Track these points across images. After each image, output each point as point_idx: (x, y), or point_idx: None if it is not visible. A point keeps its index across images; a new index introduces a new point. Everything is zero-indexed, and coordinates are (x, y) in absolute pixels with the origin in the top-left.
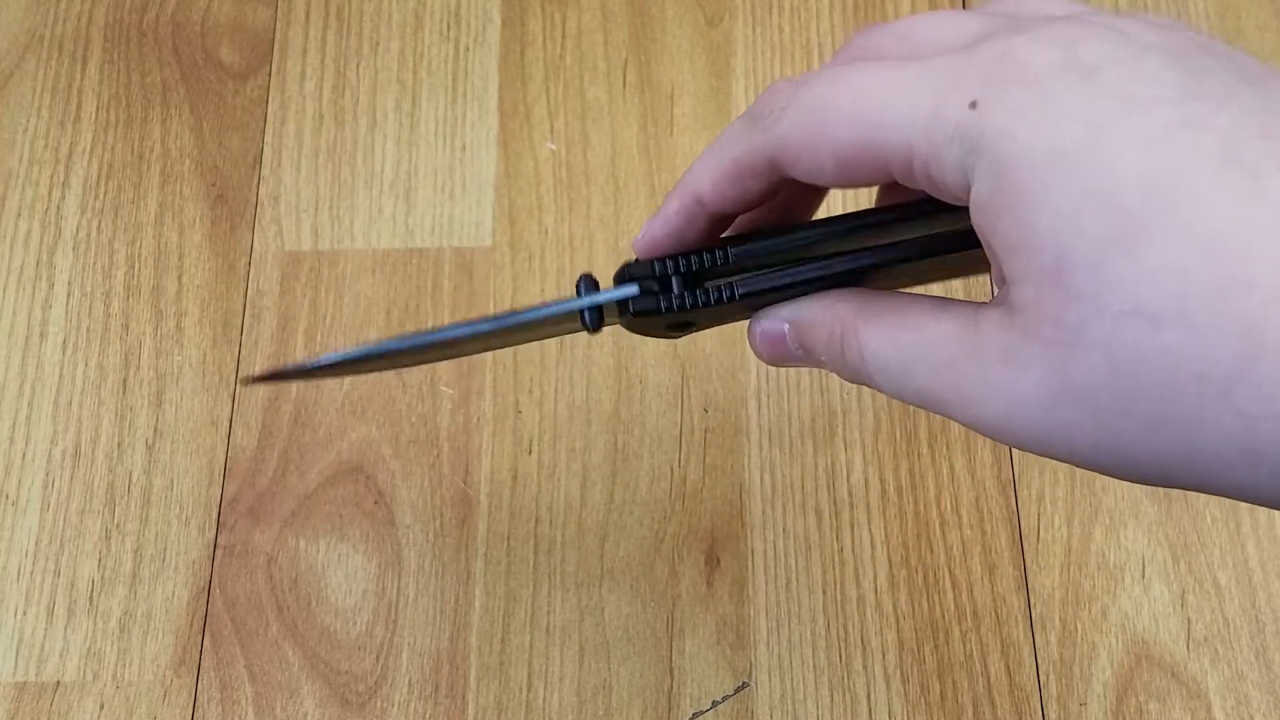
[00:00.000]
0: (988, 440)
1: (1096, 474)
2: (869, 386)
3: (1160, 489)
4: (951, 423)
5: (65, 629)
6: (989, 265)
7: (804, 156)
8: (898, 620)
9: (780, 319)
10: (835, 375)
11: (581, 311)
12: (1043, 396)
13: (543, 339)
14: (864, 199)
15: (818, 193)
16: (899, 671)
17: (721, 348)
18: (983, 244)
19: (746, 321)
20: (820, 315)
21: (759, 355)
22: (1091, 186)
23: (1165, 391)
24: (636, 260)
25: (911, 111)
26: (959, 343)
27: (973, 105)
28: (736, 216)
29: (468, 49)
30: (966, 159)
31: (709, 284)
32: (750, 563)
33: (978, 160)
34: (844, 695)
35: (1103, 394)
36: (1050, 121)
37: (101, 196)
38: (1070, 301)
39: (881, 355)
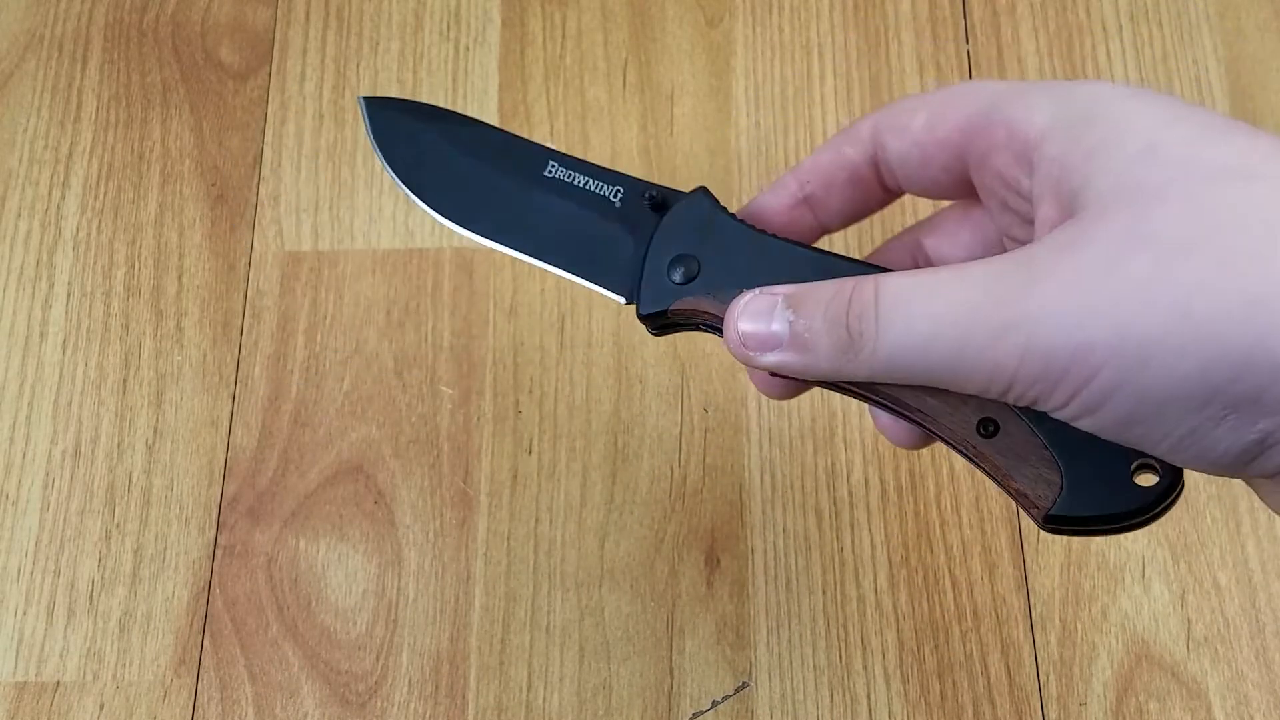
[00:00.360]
0: None
1: None
2: (863, 371)
3: None
4: None
5: (65, 629)
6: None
7: (899, 114)
8: (898, 620)
9: (773, 292)
10: (816, 375)
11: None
12: (1126, 281)
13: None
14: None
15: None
16: (899, 671)
17: (721, 348)
18: (1045, 205)
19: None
20: (824, 284)
21: (730, 344)
22: (1173, 115)
23: (1241, 231)
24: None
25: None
26: (1014, 275)
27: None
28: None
29: (468, 49)
30: (1050, 118)
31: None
32: (750, 563)
33: (1060, 112)
34: (844, 695)
35: (1190, 240)
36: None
37: (101, 196)
38: (1163, 168)
39: (905, 313)
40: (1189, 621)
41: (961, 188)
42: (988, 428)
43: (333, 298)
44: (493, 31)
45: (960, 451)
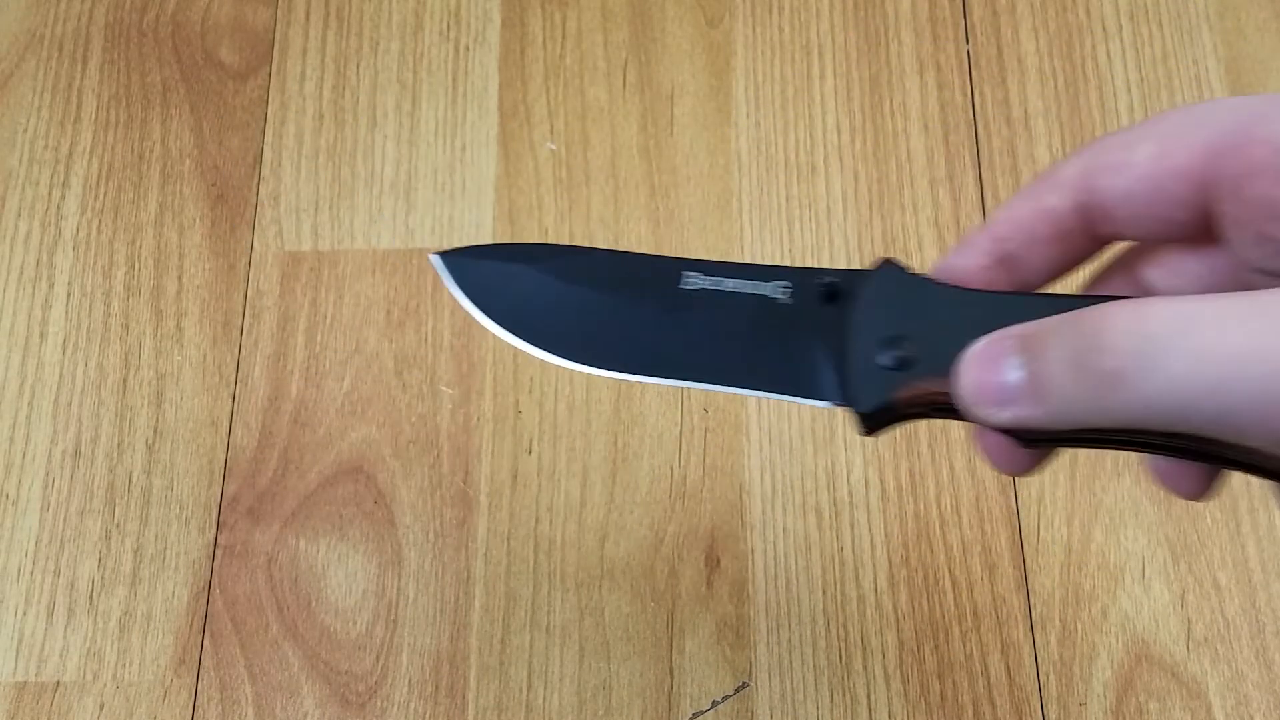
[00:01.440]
0: None
1: (1096, 475)
2: (1120, 416)
3: (1161, 491)
4: (952, 423)
5: (65, 629)
6: None
7: (1114, 151)
8: (898, 620)
9: (1005, 335)
10: (1061, 426)
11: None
12: None
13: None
14: None
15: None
16: (899, 671)
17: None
18: None
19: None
20: (1064, 315)
21: (962, 403)
22: None
23: None
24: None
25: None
26: None
27: None
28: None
29: (468, 49)
30: None
31: None
32: (750, 563)
33: None
34: (844, 695)
35: None
36: None
37: (101, 196)
38: None
39: (1182, 345)
40: (1189, 621)
41: (1198, 224)
42: None
43: (333, 298)
44: (493, 31)
45: None
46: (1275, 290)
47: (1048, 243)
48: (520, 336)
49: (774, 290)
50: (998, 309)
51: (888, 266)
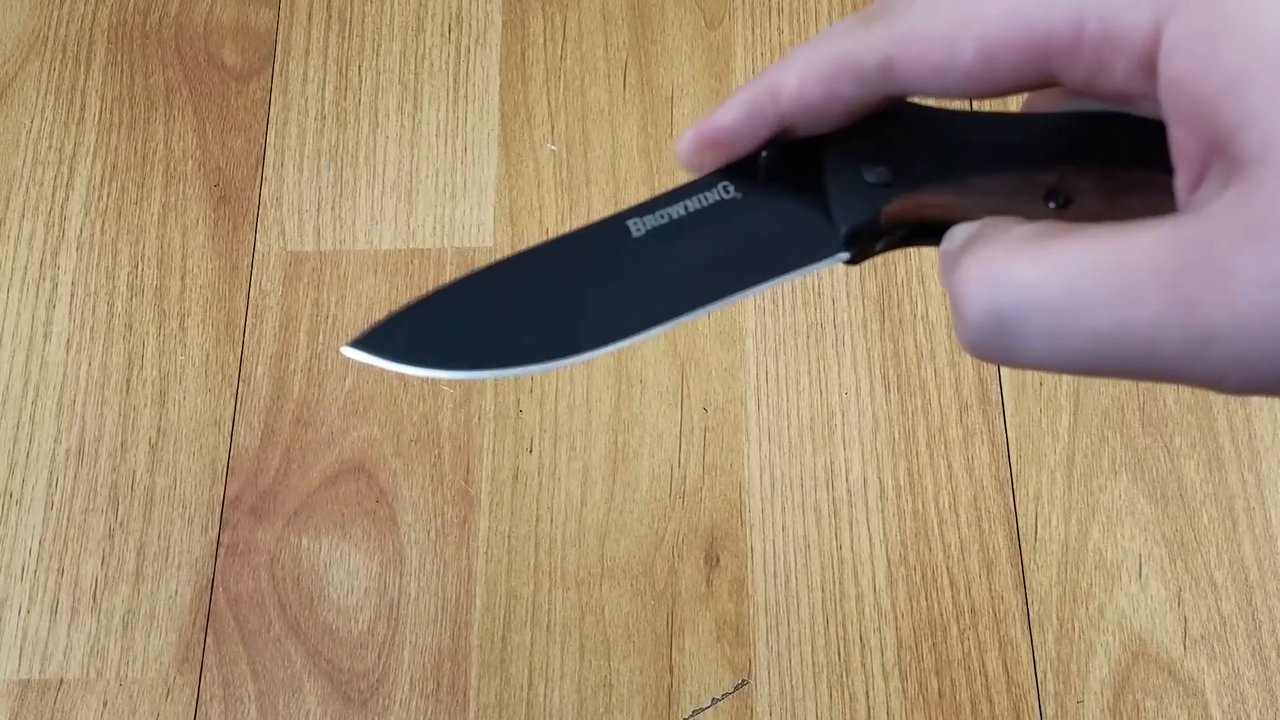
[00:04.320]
0: (985, 439)
1: (1093, 474)
2: (994, 352)
3: (1158, 490)
4: (950, 422)
5: (69, 627)
6: (1166, 173)
7: (935, 49)
8: (896, 618)
9: (953, 239)
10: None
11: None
12: None
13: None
14: None
15: None
16: (897, 669)
17: (721, 347)
18: (1179, 128)
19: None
20: (963, 239)
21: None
22: None
23: None
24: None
25: None
26: (1177, 249)
27: None
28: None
29: (469, 50)
30: (1160, 17)
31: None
32: (749, 561)
33: (1175, 16)
34: (843, 692)
35: None
36: None
37: (105, 197)
38: None
39: (1043, 284)
40: (1185, 620)
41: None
42: (1059, 200)
43: (335, 298)
44: (494, 33)
45: None
46: (1137, 226)
47: (832, 118)
48: (482, 366)
49: (721, 193)
50: (978, 127)
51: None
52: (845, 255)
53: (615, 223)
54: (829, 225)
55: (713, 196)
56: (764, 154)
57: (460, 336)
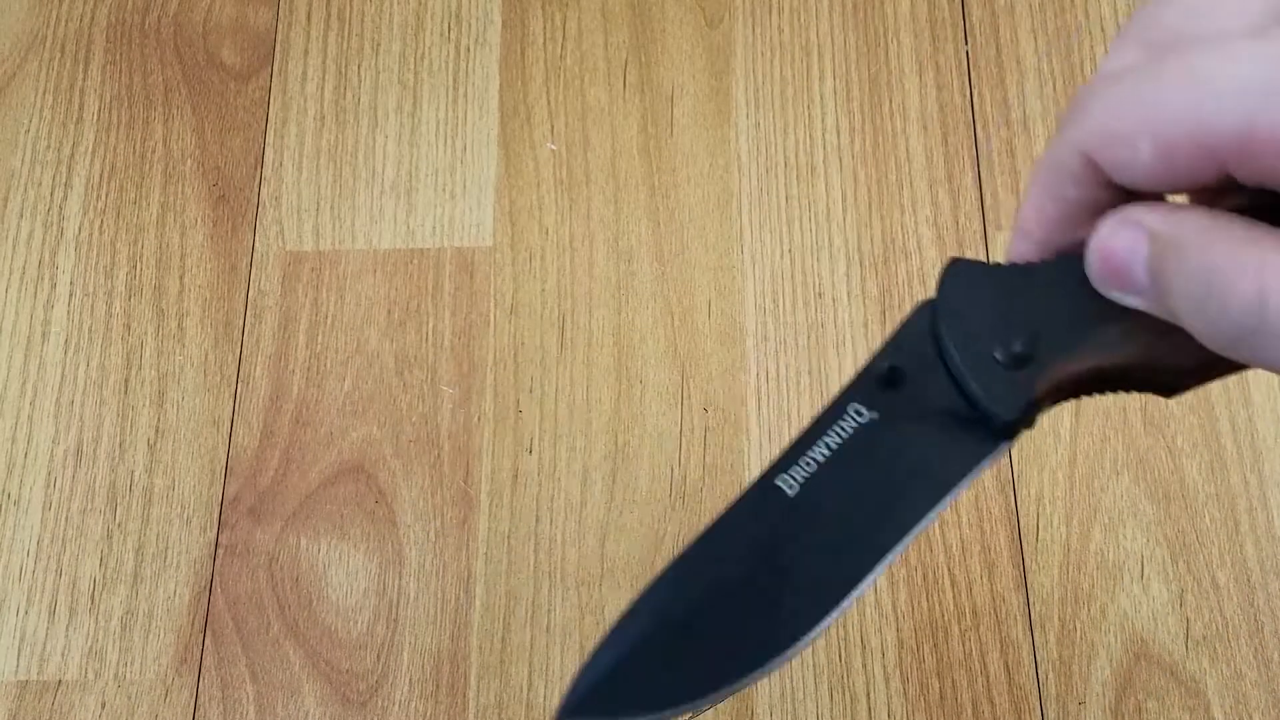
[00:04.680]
0: None
1: (1095, 474)
2: (1250, 350)
3: (1160, 490)
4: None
5: (67, 628)
6: None
7: (1117, 143)
8: (897, 619)
9: (1135, 223)
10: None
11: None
12: None
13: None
14: None
15: None
16: (898, 670)
17: (721, 347)
18: None
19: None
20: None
21: (1092, 274)
22: None
23: None
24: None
25: (1252, 75)
26: None
27: None
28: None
29: (469, 50)
30: None
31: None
32: None
33: None
34: (843, 694)
35: None
36: None
37: (103, 197)
38: None
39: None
40: (1187, 621)
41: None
42: None
43: (334, 298)
44: (493, 32)
45: None
46: None
47: (1081, 223)
48: (711, 690)
49: (854, 417)
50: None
51: (949, 273)
52: (1009, 444)
53: (765, 484)
54: (981, 419)
55: (849, 425)
56: (886, 365)
57: (673, 668)
